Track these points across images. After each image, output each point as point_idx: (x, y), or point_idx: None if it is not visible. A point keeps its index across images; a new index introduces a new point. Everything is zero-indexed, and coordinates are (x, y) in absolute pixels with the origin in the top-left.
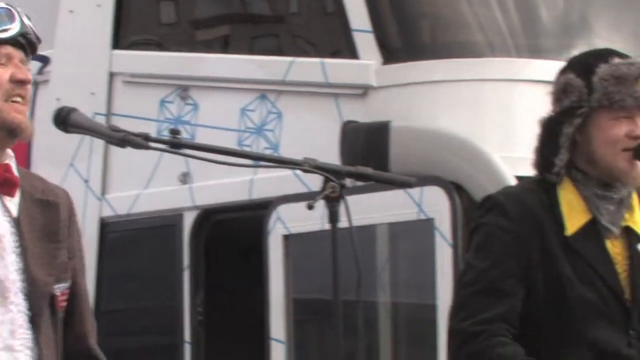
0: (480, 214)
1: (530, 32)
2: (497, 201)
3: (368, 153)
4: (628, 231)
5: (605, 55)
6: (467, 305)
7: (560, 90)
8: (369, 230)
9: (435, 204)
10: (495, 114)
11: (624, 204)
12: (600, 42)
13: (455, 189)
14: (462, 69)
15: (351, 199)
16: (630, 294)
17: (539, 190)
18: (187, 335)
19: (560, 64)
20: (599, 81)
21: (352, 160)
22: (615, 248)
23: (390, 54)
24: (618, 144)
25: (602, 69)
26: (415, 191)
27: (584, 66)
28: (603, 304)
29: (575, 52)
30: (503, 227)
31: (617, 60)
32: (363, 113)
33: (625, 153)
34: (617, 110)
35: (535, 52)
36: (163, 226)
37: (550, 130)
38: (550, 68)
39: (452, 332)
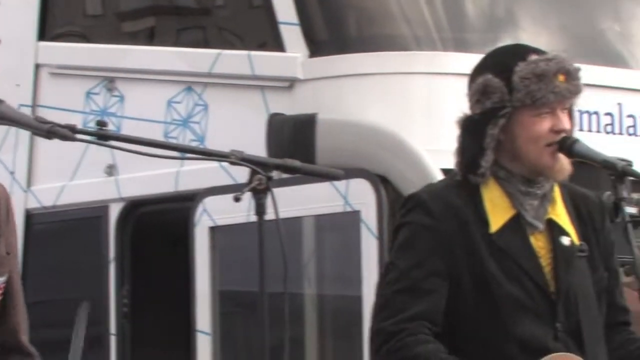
0: (403, 212)
1: (456, 26)
2: (420, 199)
3: (294, 145)
4: (551, 224)
5: (521, 52)
6: (389, 304)
7: (480, 92)
8: (295, 223)
9: (361, 197)
10: (421, 107)
11: (547, 198)
12: (526, 36)
13: (381, 182)
14: (389, 62)
15: (278, 191)
16: (555, 287)
17: (463, 187)
18: (112, 327)
19: None
20: (520, 80)
21: (279, 153)
22: (539, 242)
23: (316, 46)
24: (542, 139)
25: (521, 68)
26: (341, 184)
27: (501, 65)
28: (529, 299)
29: (501, 45)
30: (426, 225)
31: (534, 57)
32: (289, 106)
33: (549, 148)
34: (539, 107)
35: (461, 45)
36: (89, 218)
37: (474, 131)
38: (475, 62)
39: (374, 332)
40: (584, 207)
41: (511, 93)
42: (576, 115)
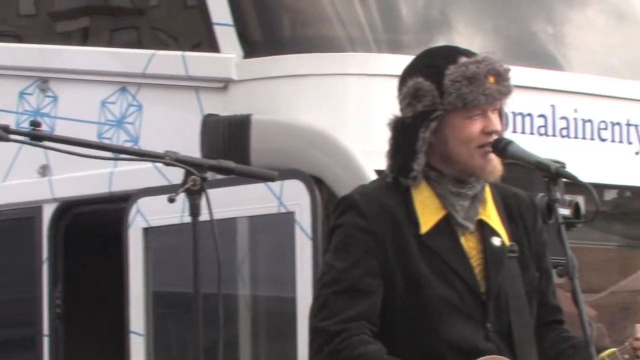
0: (336, 214)
1: (390, 27)
2: (353, 201)
3: (229, 146)
4: (482, 225)
5: (451, 55)
6: (328, 305)
7: (411, 95)
8: (229, 224)
9: (296, 198)
10: (355, 108)
11: (478, 199)
12: (460, 38)
13: (315, 183)
14: (323, 63)
15: (212, 192)
16: (485, 287)
17: (395, 188)
18: (45, 328)
19: None
20: (451, 83)
21: (213, 154)
22: (469, 242)
23: (251, 47)
24: (473, 141)
25: (452, 71)
26: (275, 185)
27: (432, 68)
28: (459, 300)
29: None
30: (360, 227)
31: (464, 59)
32: (224, 106)
33: (480, 149)
34: (470, 109)
35: (396, 47)
36: (22, 219)
37: (405, 135)
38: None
39: (314, 332)
40: (515, 206)
41: (442, 96)
42: (506, 115)
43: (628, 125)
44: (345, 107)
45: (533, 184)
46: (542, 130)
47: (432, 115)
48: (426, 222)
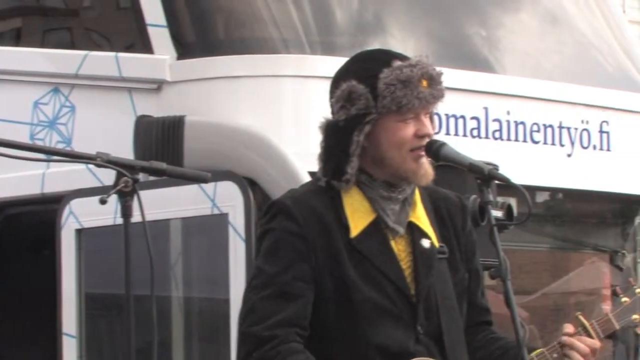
0: (267, 219)
1: (325, 29)
2: (283, 206)
3: (162, 148)
4: (411, 227)
5: (385, 58)
6: (258, 309)
7: (345, 98)
8: (162, 225)
9: (229, 199)
10: (289, 110)
11: (409, 202)
12: (394, 40)
13: (249, 184)
14: (258, 64)
15: (144, 194)
16: (415, 289)
17: (325, 191)
18: None
19: None
20: (385, 87)
21: (146, 155)
22: (399, 245)
23: (185, 48)
24: (406, 145)
25: (386, 74)
26: (208, 186)
27: (365, 72)
28: (389, 303)
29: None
30: (291, 231)
31: (398, 63)
32: (157, 108)
33: (413, 153)
34: (404, 113)
35: (330, 49)
36: None
37: (339, 138)
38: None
39: (243, 336)
40: (445, 208)
41: (376, 99)
42: (436, 118)
43: (560, 127)
44: (279, 109)
45: (466, 186)
46: (475, 132)
47: (366, 119)
48: (356, 226)
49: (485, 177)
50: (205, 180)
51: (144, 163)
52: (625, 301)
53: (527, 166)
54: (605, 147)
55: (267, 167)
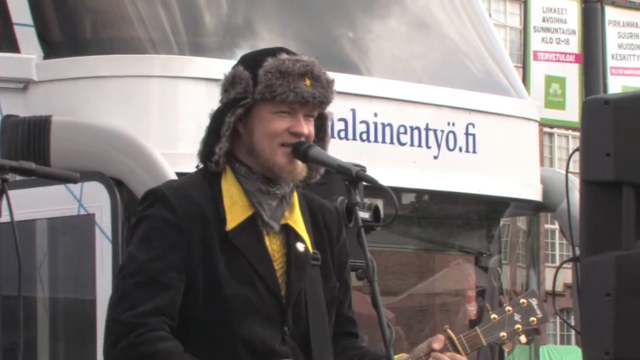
0: (144, 206)
1: (193, 30)
2: (161, 194)
3: (28, 147)
4: (287, 229)
5: (275, 51)
6: (129, 296)
7: (229, 82)
8: (28, 225)
9: (96, 200)
10: (157, 110)
11: (286, 201)
12: (263, 43)
13: (116, 185)
14: (125, 65)
15: (11, 194)
16: (285, 291)
17: (204, 182)
18: None
19: (222, 62)
20: (264, 74)
21: (13, 155)
22: (273, 245)
23: (51, 48)
24: (277, 138)
25: (269, 63)
26: (75, 186)
27: (253, 60)
28: (259, 301)
29: (239, 51)
30: (167, 219)
31: (284, 56)
32: (24, 107)
33: (283, 148)
34: (279, 104)
35: (198, 50)
36: None
37: (215, 120)
38: (212, 66)
39: (112, 324)
40: (321, 217)
41: (255, 86)
42: (331, 122)
43: (427, 129)
44: (147, 109)
45: (333, 188)
46: (343, 134)
47: (241, 102)
48: (233, 219)
49: (352, 178)
50: (75, 181)
51: (13, 163)
52: (494, 317)
53: (394, 168)
54: (471, 149)
55: (134, 167)
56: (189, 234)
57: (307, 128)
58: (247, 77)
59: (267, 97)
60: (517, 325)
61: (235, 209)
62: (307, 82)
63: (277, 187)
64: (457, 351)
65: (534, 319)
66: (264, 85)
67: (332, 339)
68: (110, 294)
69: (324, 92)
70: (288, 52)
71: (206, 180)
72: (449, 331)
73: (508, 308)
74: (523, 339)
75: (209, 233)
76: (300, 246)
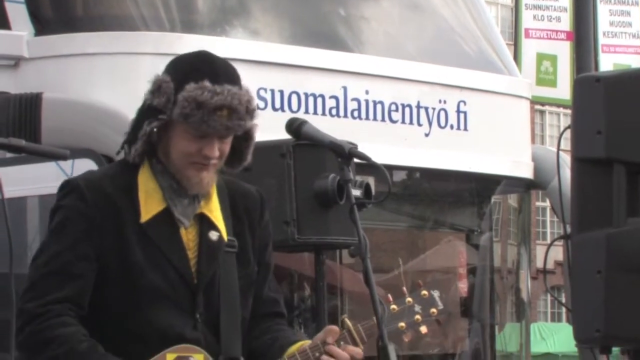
0: (59, 196)
1: (185, 7)
2: (75, 185)
3: (19, 125)
4: (202, 219)
5: (203, 71)
6: (37, 286)
7: (155, 87)
8: (19, 203)
9: None
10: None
11: (198, 199)
12: (254, 20)
13: (107, 162)
14: (116, 42)
15: (2, 171)
16: (197, 279)
17: (121, 175)
18: None
19: (214, 40)
20: (182, 99)
21: (3, 132)
22: (189, 235)
23: (43, 25)
24: (187, 157)
25: (189, 89)
26: (66, 164)
27: (181, 75)
28: (170, 289)
29: (230, 28)
30: (79, 210)
31: (206, 83)
32: (15, 84)
33: (194, 165)
34: (192, 130)
35: (190, 27)
36: None
37: (137, 117)
38: (204, 43)
39: (19, 312)
40: (242, 203)
41: (174, 105)
42: (295, 97)
43: (418, 107)
44: (138, 86)
45: (325, 165)
46: (334, 111)
47: (159, 116)
48: (147, 211)
49: (345, 155)
50: (64, 158)
51: (3, 140)
52: (393, 308)
53: (385, 145)
54: (462, 126)
55: None
56: (101, 224)
57: (221, 148)
58: (170, 93)
59: (180, 121)
60: (417, 316)
61: (150, 202)
62: (225, 112)
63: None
64: (354, 340)
65: (434, 310)
66: (180, 111)
67: (252, 322)
68: (24, 284)
69: (239, 123)
70: (215, 76)
71: (124, 172)
72: (347, 321)
73: (408, 299)
74: (424, 329)
75: (122, 224)
76: (213, 234)
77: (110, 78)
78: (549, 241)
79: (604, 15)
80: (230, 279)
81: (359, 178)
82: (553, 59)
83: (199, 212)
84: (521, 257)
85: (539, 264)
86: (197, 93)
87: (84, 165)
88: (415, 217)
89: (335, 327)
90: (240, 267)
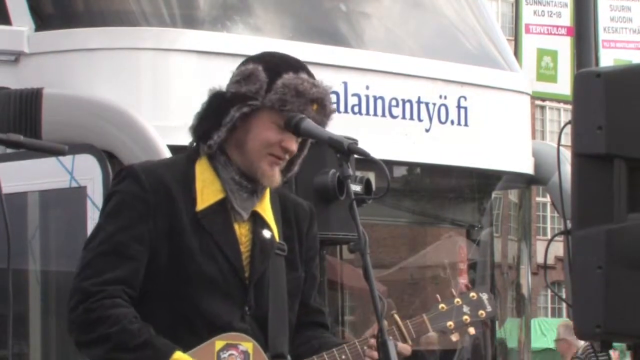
0: (115, 182)
1: (185, 3)
2: (132, 171)
3: (20, 120)
4: (255, 217)
5: (296, 65)
6: (92, 265)
7: (245, 76)
8: (19, 198)
9: (87, 172)
10: (149, 83)
11: (257, 195)
12: (255, 16)
13: (107, 157)
14: (117, 37)
15: (1, 166)
16: (249, 273)
17: (178, 164)
18: None
19: (215, 35)
20: (281, 85)
21: (4, 127)
22: (242, 230)
23: (43, 20)
24: (268, 147)
25: (290, 77)
26: (67, 159)
27: (275, 66)
28: (222, 280)
29: (231, 24)
30: (135, 194)
31: (305, 76)
32: (15, 79)
33: (270, 157)
34: (282, 118)
35: (190, 22)
36: None
37: (219, 106)
38: (204, 39)
39: (74, 290)
40: (293, 212)
41: (268, 92)
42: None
43: (419, 102)
44: (139, 82)
45: (325, 161)
46: (334, 106)
47: (250, 102)
48: (203, 200)
49: (344, 151)
50: (63, 153)
51: (1, 135)
52: (442, 307)
53: (386, 141)
54: (462, 122)
55: (126, 140)
56: (155, 208)
57: (295, 147)
58: (263, 81)
59: (276, 108)
60: (465, 317)
61: (207, 192)
62: (315, 107)
63: (251, 182)
64: (403, 336)
65: (483, 312)
66: (278, 97)
67: (298, 329)
68: (79, 262)
69: (325, 120)
70: (309, 72)
71: (182, 162)
72: (396, 317)
73: (457, 300)
74: (472, 330)
75: (177, 211)
76: (266, 233)
77: (111, 73)
78: (549, 237)
79: (604, 11)
80: (279, 279)
81: (358, 173)
82: (553, 54)
83: (253, 210)
84: (522, 252)
85: (540, 259)
86: (298, 82)
87: (85, 161)
88: (415, 212)
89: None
90: (288, 270)
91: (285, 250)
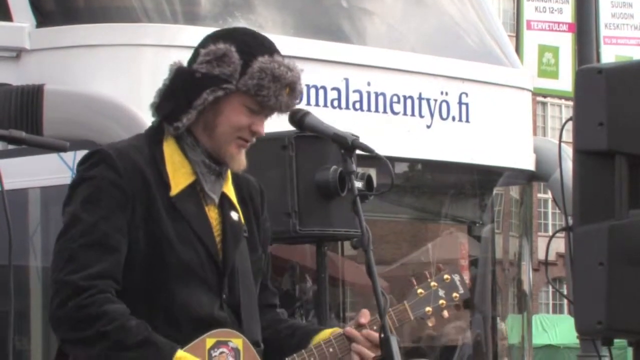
0: (87, 166)
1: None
2: (106, 155)
3: (21, 116)
4: (222, 199)
5: (270, 47)
6: (76, 258)
7: (217, 56)
8: (20, 194)
9: None
10: (150, 79)
11: (223, 177)
12: (256, 12)
13: None
14: (118, 33)
15: (3, 163)
16: (222, 258)
17: (146, 146)
18: None
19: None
20: (258, 70)
21: (5, 124)
22: (212, 213)
23: (44, 17)
24: (238, 131)
25: (265, 60)
26: (68, 155)
27: (247, 47)
28: (199, 266)
29: (231, 19)
30: (112, 181)
31: (279, 59)
32: (17, 76)
33: (239, 140)
34: (255, 103)
35: (191, 18)
36: None
37: (189, 87)
38: (205, 35)
39: (60, 284)
40: (246, 189)
41: (242, 76)
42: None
43: (420, 99)
44: (140, 78)
45: (327, 156)
46: (336, 103)
47: (223, 85)
48: (176, 184)
49: (349, 146)
50: (64, 149)
51: (2, 131)
52: (420, 293)
53: (387, 137)
54: (464, 118)
55: (127, 136)
56: (132, 196)
57: (263, 129)
58: (237, 63)
59: (251, 93)
60: (441, 301)
61: (179, 175)
62: (287, 91)
63: (218, 165)
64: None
65: (456, 294)
66: (255, 82)
67: (260, 312)
68: (54, 255)
69: (295, 103)
70: (280, 53)
71: (148, 143)
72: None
73: (433, 283)
74: (445, 314)
75: (152, 197)
76: (234, 215)
77: (112, 70)
78: (550, 233)
79: (605, 7)
80: (246, 263)
81: (360, 170)
82: (555, 50)
83: (222, 191)
84: (523, 249)
85: (541, 255)
86: (274, 66)
87: None
88: (417, 209)
89: (366, 310)
90: (250, 252)
91: (247, 231)
